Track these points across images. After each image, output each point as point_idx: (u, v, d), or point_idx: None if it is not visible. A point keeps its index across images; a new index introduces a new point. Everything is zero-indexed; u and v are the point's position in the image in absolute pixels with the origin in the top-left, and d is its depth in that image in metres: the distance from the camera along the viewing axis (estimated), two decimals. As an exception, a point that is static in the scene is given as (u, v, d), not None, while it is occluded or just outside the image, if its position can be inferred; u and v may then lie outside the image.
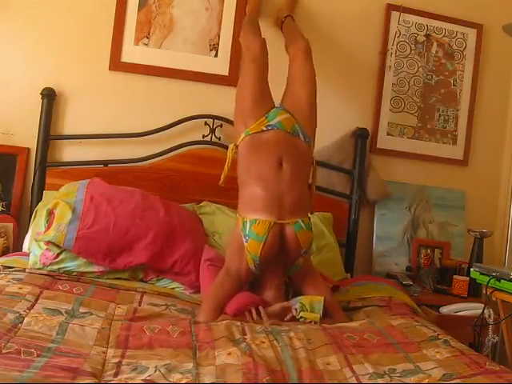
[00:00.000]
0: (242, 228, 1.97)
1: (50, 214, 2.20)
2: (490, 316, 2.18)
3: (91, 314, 1.67)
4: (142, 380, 1.27)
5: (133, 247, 2.14)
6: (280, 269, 2.02)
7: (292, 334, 1.62)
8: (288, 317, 1.86)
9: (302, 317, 1.84)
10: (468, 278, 2.59)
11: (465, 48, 3.04)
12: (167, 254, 2.16)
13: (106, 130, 2.65)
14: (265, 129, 2.08)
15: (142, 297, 1.95)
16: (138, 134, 2.65)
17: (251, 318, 1.82)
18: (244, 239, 1.95)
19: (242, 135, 2.09)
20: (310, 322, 1.83)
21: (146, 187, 2.46)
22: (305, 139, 2.11)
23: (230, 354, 1.44)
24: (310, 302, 1.88)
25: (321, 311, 1.85)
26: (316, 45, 2.43)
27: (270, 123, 2.08)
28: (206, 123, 2.71)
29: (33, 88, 2.55)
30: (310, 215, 2.07)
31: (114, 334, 1.56)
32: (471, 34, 3.03)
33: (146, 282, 2.18)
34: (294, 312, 1.86)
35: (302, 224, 1.98)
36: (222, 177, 2.13)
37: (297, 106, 2.18)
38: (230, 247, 2.05)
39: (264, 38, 2.34)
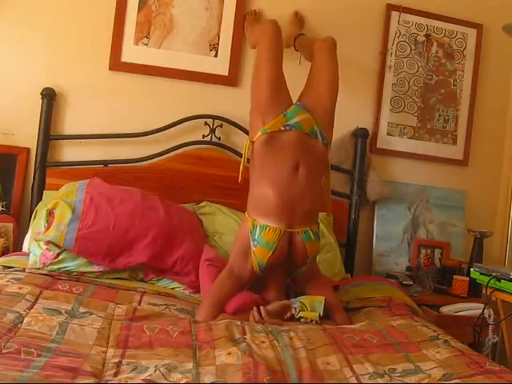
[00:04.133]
0: (250, 230, 1.95)
1: (50, 214, 2.19)
2: (489, 316, 2.18)
3: (91, 314, 1.67)
4: (141, 380, 1.27)
5: (133, 247, 2.14)
6: (283, 271, 2.01)
7: (292, 334, 1.62)
8: (287, 315, 1.86)
9: (301, 317, 1.84)
10: (468, 278, 2.59)
11: (465, 48, 3.04)
12: (167, 254, 2.16)
13: (106, 130, 2.65)
14: (283, 128, 2.00)
15: (141, 297, 1.95)
16: (138, 134, 2.65)
17: (253, 318, 1.82)
18: (252, 243, 1.94)
19: (259, 133, 2.01)
20: (311, 321, 1.83)
21: (146, 187, 2.46)
22: (323, 141, 2.05)
23: (230, 353, 1.44)
24: (311, 302, 1.87)
25: (321, 310, 1.85)
26: (316, 45, 2.42)
27: (289, 123, 2.01)
28: (206, 123, 2.70)
29: (33, 88, 2.55)
30: (320, 219, 2.06)
31: (113, 333, 1.56)
32: (471, 34, 3.04)
33: (145, 281, 2.18)
34: (293, 311, 1.86)
35: (311, 233, 1.96)
36: (240, 175, 2.04)
37: (319, 105, 2.09)
38: (236, 247, 2.03)
39: (277, 21, 2.26)
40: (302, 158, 1.98)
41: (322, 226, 2.57)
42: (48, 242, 2.10)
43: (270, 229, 1.91)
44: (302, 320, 1.84)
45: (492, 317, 2.19)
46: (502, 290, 2.13)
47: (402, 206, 2.94)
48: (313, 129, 2.04)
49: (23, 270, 2.03)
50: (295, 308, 1.86)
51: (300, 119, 2.03)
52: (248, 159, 2.07)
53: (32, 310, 1.62)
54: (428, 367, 1.48)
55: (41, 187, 2.52)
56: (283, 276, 2.03)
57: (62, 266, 2.09)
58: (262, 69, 2.14)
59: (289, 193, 1.95)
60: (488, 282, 2.15)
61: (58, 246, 2.09)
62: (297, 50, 2.71)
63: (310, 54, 2.42)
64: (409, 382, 1.40)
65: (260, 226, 1.92)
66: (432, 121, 3.02)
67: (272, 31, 2.21)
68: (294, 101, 2.12)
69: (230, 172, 2.09)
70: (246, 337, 1.58)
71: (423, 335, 1.73)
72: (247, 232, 1.96)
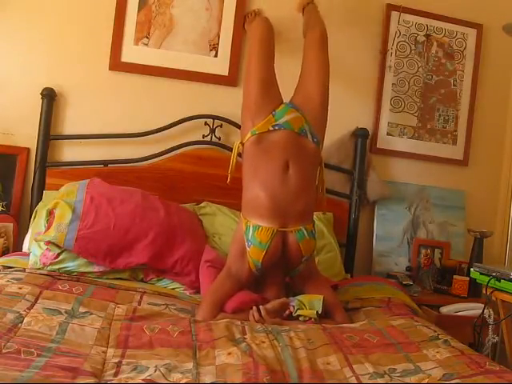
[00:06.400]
0: (244, 231, 1.96)
1: (50, 214, 2.19)
2: (489, 316, 2.18)
3: (91, 314, 1.67)
4: (141, 380, 1.27)
5: (133, 247, 2.14)
6: (281, 271, 2.02)
7: (292, 334, 1.62)
8: (286, 313, 1.86)
9: (299, 315, 1.84)
10: (468, 278, 2.59)
11: (465, 48, 3.04)
12: (167, 255, 2.16)
13: (106, 130, 2.65)
14: (271, 129, 2.02)
15: (141, 297, 1.95)
16: (138, 134, 2.65)
17: (253, 318, 1.82)
18: (246, 244, 1.95)
19: (249, 134, 2.04)
20: (310, 319, 1.83)
21: (146, 187, 2.46)
22: (313, 139, 2.06)
23: (230, 353, 1.45)
24: (310, 300, 1.88)
25: (320, 308, 1.85)
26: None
27: (278, 122, 2.03)
28: (205, 123, 2.70)
29: (33, 88, 2.55)
30: (315, 217, 2.06)
31: (113, 333, 1.56)
32: (471, 34, 3.04)
33: (146, 282, 2.18)
34: (291, 308, 1.86)
35: (305, 232, 1.96)
36: (229, 175, 2.09)
37: (308, 102, 2.10)
38: (232, 248, 2.04)
39: (268, 18, 2.28)
40: (292, 157, 1.99)
41: (321, 226, 2.59)
42: (48, 242, 2.10)
43: (262, 229, 1.91)
44: (300, 318, 1.84)
45: (492, 317, 2.19)
46: (502, 290, 2.13)
47: (401, 205, 2.94)
48: (302, 127, 2.04)
49: (23, 270, 2.03)
50: (293, 306, 1.86)
51: (289, 118, 2.04)
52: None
53: (32, 310, 1.62)
54: (428, 367, 1.48)
55: (41, 187, 2.52)
56: (281, 275, 2.03)
57: (62, 266, 2.09)
58: (251, 69, 2.16)
59: (280, 193, 1.96)
60: (488, 282, 2.15)
61: (58, 246, 2.09)
62: None
63: (306, 31, 2.44)
64: (409, 381, 1.40)
65: (253, 227, 1.93)
66: (432, 121, 3.02)
67: (262, 30, 2.23)
68: (289, 99, 2.13)
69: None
70: (246, 337, 1.58)
71: (423, 335, 1.73)
72: (242, 233, 1.97)
